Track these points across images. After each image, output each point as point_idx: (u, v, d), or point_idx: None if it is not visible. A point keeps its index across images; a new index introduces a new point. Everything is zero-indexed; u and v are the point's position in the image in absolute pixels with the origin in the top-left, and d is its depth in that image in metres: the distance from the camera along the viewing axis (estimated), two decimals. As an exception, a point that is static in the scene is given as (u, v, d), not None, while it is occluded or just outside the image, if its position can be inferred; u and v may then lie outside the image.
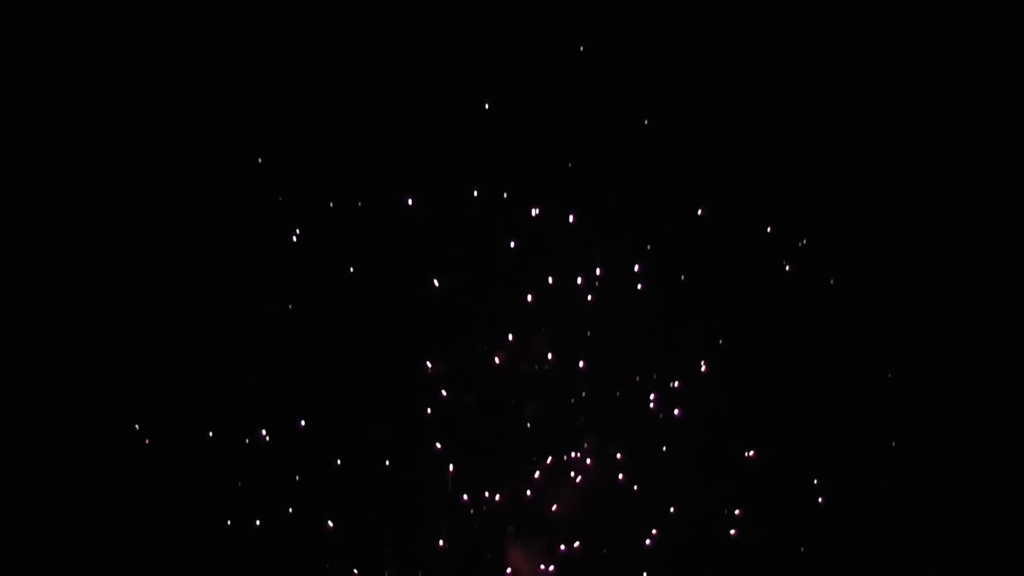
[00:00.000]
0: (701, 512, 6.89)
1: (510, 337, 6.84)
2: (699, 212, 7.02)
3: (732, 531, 6.86)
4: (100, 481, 6.58)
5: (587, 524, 6.83)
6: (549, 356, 6.89)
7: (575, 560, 6.80)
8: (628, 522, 6.85)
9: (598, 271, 6.93)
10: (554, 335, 6.89)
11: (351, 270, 6.82)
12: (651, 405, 6.94)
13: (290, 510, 6.69)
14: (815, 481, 6.93)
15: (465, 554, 6.74)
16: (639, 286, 6.98)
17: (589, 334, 6.93)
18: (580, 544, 6.80)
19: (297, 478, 6.72)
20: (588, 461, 6.87)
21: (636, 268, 6.97)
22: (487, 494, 6.78)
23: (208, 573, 6.61)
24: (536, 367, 6.88)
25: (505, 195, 6.87)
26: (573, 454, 6.86)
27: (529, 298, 6.88)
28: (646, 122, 7.01)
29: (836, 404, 7.00)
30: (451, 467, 6.76)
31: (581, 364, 6.92)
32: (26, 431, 6.54)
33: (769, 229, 7.06)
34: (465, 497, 6.76)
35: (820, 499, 6.93)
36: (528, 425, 6.84)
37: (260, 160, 6.79)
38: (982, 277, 7.06)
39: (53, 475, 6.55)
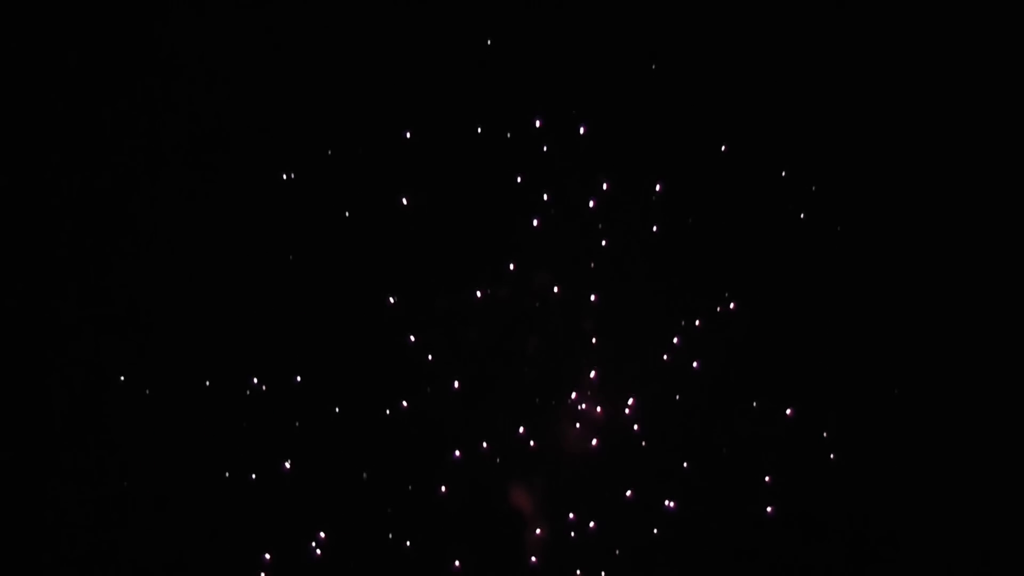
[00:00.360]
0: (715, 463, 6.56)
1: (511, 267, 6.60)
2: (723, 148, 6.73)
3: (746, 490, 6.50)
4: (99, 432, 6.48)
5: (593, 469, 6.49)
6: (555, 290, 6.61)
7: (581, 515, 6.46)
8: (635, 467, 6.51)
9: (605, 185, 6.66)
10: (559, 267, 6.62)
11: (346, 214, 6.68)
12: (664, 349, 6.59)
13: (287, 464, 6.48)
14: (824, 434, 6.52)
15: (466, 498, 6.42)
16: (654, 228, 6.68)
17: (593, 265, 6.64)
18: (585, 493, 6.46)
19: (297, 424, 6.51)
20: (597, 408, 6.53)
21: (657, 188, 6.67)
22: (487, 439, 6.47)
23: (209, 520, 6.41)
24: (538, 304, 6.60)
25: (510, 111, 6.65)
26: (580, 400, 6.53)
27: (535, 223, 6.64)
28: (653, 67, 6.81)
29: (840, 362, 6.62)
30: (452, 412, 6.49)
31: (593, 298, 6.62)
32: (23, 384, 6.49)
33: (784, 173, 6.73)
34: (466, 441, 6.46)
35: (832, 455, 6.51)
36: (527, 368, 6.54)
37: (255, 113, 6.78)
38: (989, 230, 6.70)
39: (50, 427, 6.46)
